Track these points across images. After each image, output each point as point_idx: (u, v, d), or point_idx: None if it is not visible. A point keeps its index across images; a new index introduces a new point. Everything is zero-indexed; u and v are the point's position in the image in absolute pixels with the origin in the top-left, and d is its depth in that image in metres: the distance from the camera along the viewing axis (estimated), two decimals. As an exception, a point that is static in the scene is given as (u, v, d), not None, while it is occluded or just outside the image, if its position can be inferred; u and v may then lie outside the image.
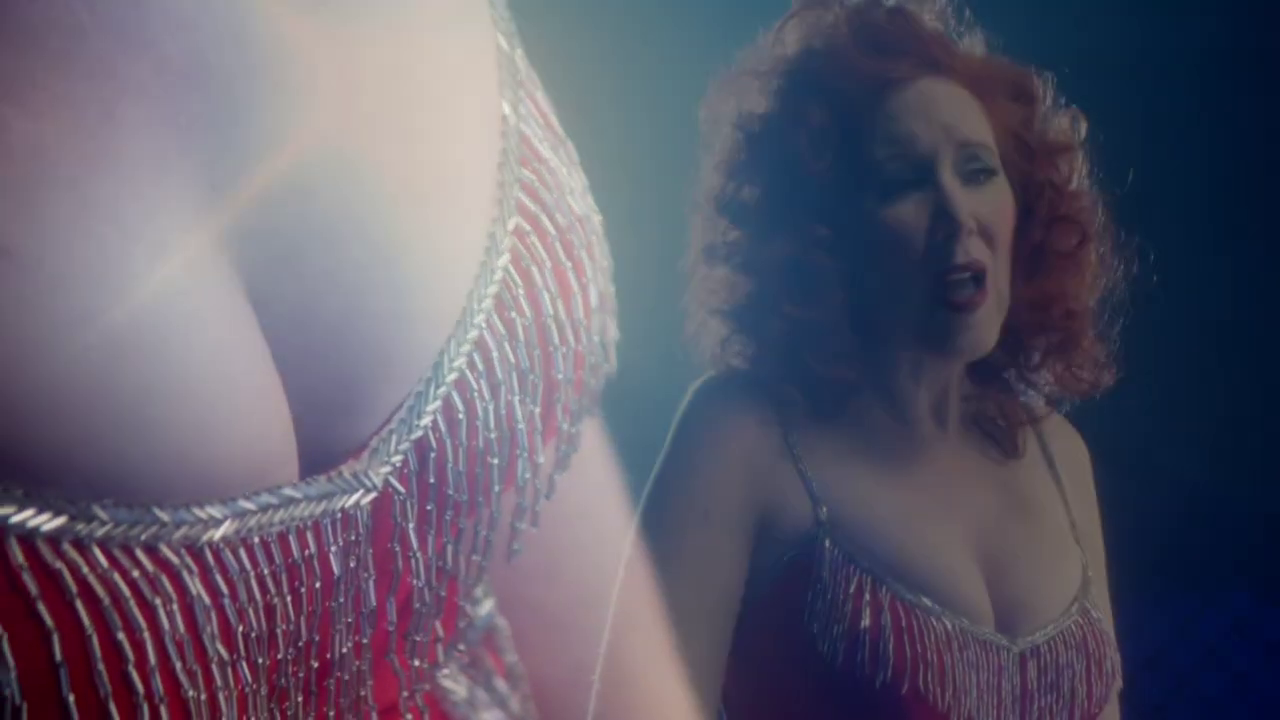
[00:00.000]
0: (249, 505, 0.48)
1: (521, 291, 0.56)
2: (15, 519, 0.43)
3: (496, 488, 0.56)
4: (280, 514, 0.49)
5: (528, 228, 0.57)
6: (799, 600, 1.45)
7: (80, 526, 0.44)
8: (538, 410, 0.57)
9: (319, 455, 0.51)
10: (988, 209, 1.47)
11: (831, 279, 1.47)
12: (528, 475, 0.57)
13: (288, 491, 0.49)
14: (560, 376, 0.58)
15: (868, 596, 1.44)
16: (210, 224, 0.48)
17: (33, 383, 0.43)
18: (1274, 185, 2.79)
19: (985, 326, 1.46)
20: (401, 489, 0.53)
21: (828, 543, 1.46)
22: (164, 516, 0.46)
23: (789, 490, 1.48)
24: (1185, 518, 2.82)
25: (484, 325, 0.54)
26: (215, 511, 0.47)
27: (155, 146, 0.46)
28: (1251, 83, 2.75)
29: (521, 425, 0.56)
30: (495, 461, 0.55)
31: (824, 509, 1.48)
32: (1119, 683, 1.54)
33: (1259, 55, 2.75)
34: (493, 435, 0.55)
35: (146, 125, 0.46)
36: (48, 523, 0.44)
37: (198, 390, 0.46)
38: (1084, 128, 1.58)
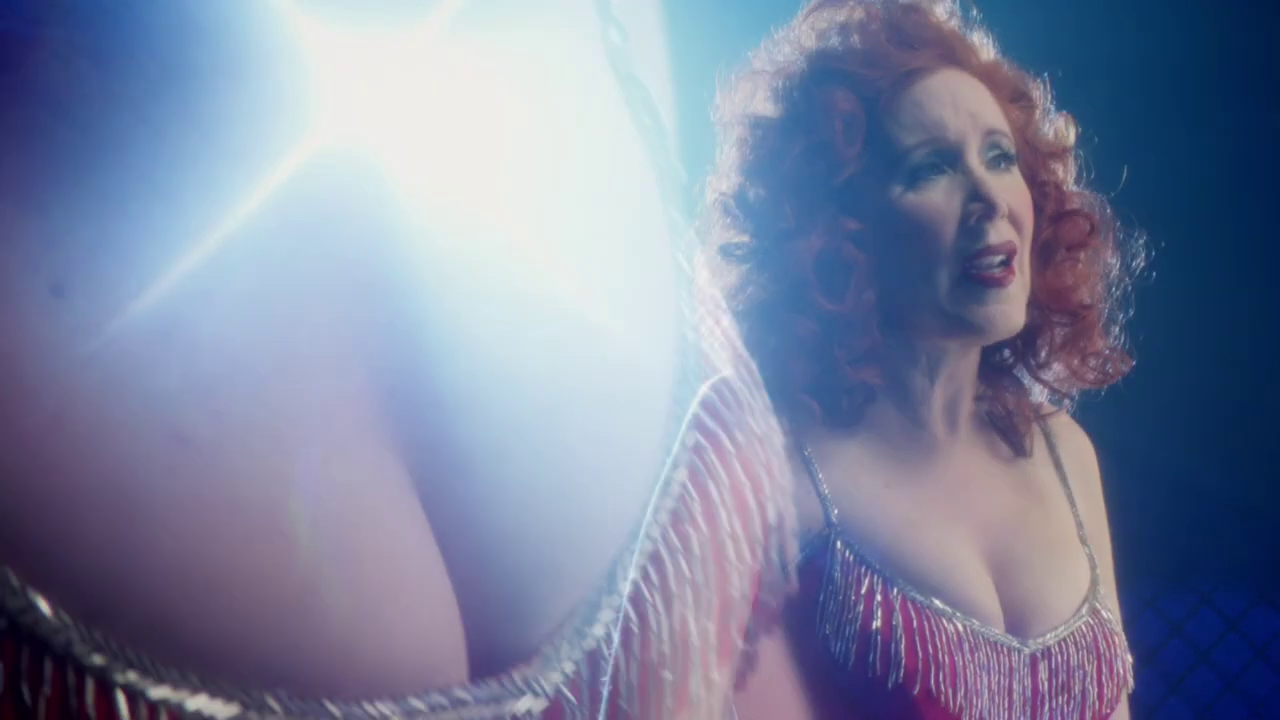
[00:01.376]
0: (419, 704, 0.47)
1: (698, 507, 0.56)
2: (191, 705, 0.43)
3: (669, 703, 0.55)
4: (449, 715, 0.48)
5: (706, 444, 0.57)
6: (811, 602, 1.44)
7: (253, 716, 0.44)
8: (713, 627, 0.56)
9: (489, 658, 0.51)
10: (1013, 195, 1.48)
11: (863, 273, 1.47)
12: (702, 693, 0.56)
13: (458, 693, 0.49)
14: (736, 594, 0.57)
15: (879, 598, 1.43)
16: (385, 428, 0.48)
17: (208, 571, 0.43)
18: (1272, 187, 2.81)
19: (1014, 302, 1.46)
20: (573, 698, 0.52)
21: (839, 544, 1.46)
22: (335, 711, 0.45)
23: (800, 491, 1.48)
24: (1179, 517, 2.83)
25: (659, 538, 0.54)
26: (386, 709, 0.46)
27: (337, 349, 0.47)
28: (1242, 85, 2.77)
29: (696, 641, 0.55)
30: (669, 676, 0.54)
31: (835, 510, 1.47)
32: (1130, 684, 1.54)
33: (1250, 57, 2.77)
34: (666, 649, 0.54)
35: (330, 328, 0.47)
36: (222, 710, 0.43)
37: (368, 586, 0.46)
38: (1074, 133, 1.60)
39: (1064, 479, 1.63)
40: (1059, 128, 1.60)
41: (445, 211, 0.51)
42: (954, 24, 1.56)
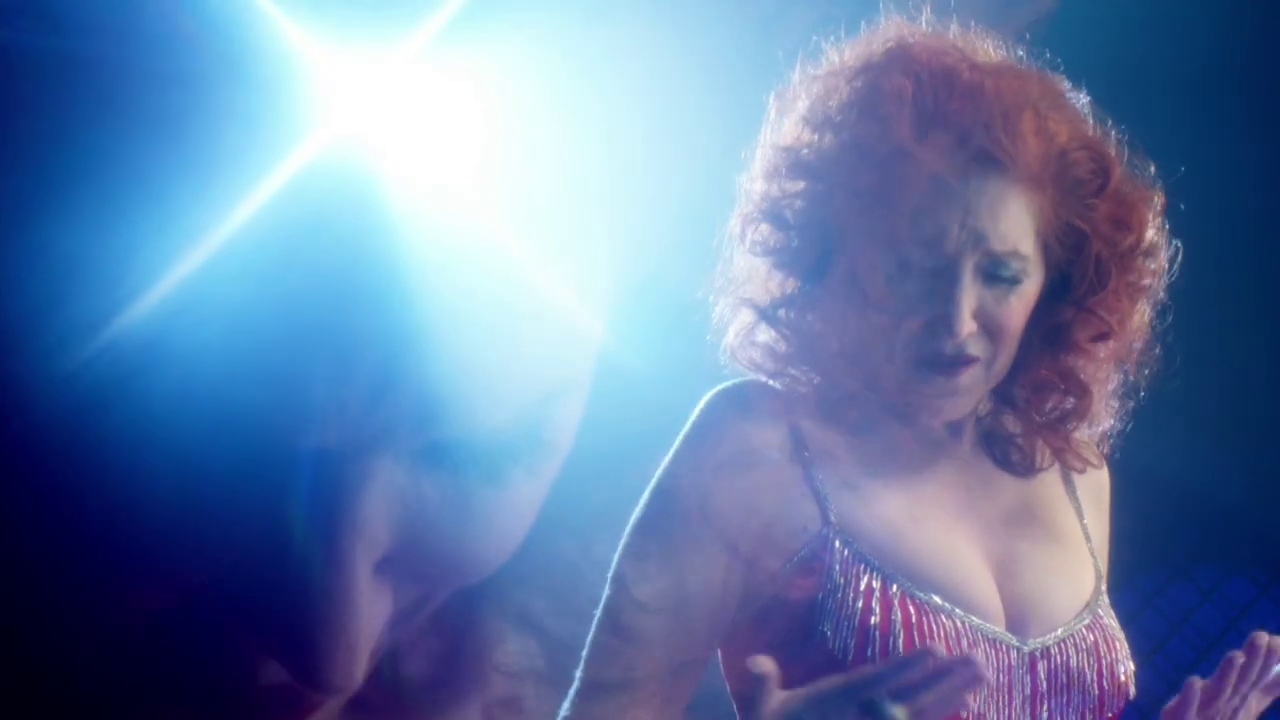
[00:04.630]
0: None
1: None
2: None
3: None
4: None
5: None
6: (810, 600, 1.44)
7: None
8: None
9: None
10: (1001, 309, 1.46)
11: (826, 308, 1.50)
12: None
13: None
14: None
15: (878, 594, 1.43)
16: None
17: None
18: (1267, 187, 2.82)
19: (962, 394, 1.48)
20: None
21: (838, 543, 1.46)
22: None
23: (799, 490, 1.48)
24: (1184, 513, 2.83)
25: None
26: None
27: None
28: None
29: None
30: None
31: (834, 510, 1.48)
32: (1132, 692, 1.54)
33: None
34: None
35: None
36: None
37: None
38: (1160, 203, 1.54)
39: (1073, 491, 1.63)
40: (1140, 213, 1.52)
41: (429, 212, 0.52)
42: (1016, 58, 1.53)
